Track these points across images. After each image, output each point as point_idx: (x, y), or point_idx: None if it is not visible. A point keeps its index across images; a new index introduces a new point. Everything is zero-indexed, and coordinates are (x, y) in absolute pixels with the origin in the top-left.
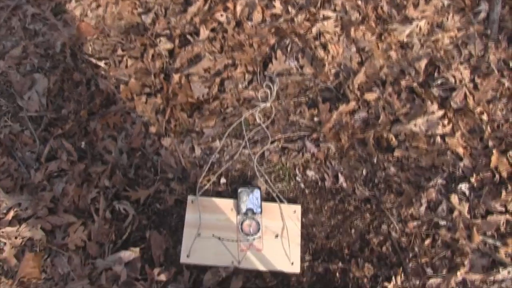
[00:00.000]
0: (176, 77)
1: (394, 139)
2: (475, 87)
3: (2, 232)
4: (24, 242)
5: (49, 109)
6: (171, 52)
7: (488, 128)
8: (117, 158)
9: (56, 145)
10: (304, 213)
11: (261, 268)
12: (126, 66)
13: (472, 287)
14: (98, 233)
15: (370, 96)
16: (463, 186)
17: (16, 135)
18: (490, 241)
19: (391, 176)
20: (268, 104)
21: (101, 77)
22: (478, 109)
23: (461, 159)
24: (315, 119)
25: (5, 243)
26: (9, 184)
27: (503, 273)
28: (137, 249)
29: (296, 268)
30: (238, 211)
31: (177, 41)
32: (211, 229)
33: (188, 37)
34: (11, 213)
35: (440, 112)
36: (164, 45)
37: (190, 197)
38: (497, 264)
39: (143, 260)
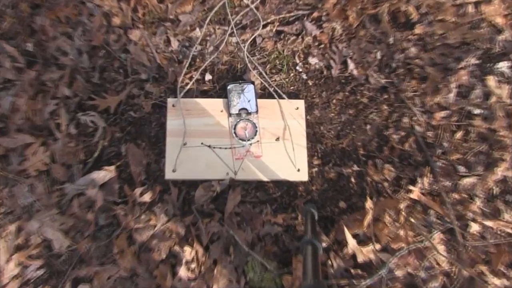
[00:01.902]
0: None
1: (414, 12)
2: None
3: None
4: None
5: None
6: None
7: None
8: (76, 60)
9: None
10: (309, 109)
11: (262, 178)
12: None
13: None
14: (63, 153)
15: None
16: (503, 65)
17: None
18: None
19: (412, 58)
20: None
21: None
22: None
23: (500, 31)
24: None
25: None
26: None
27: None
28: (113, 168)
29: (303, 175)
30: (230, 112)
31: None
32: (198, 137)
33: None
34: None
35: None
36: None
37: (170, 100)
38: None
39: (121, 180)
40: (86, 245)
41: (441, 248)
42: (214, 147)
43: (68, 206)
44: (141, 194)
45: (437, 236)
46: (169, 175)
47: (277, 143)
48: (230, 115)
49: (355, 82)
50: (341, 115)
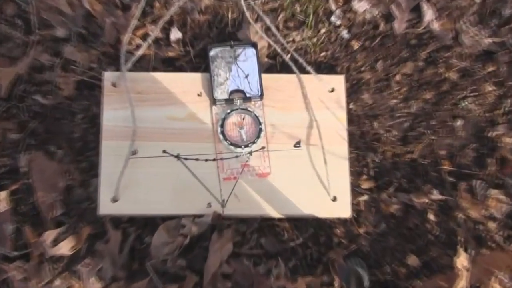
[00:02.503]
0: None
1: None
2: None
3: None
4: None
5: None
6: None
7: None
8: None
9: None
10: (353, 91)
11: (270, 213)
12: None
13: None
14: None
15: None
16: None
17: None
18: None
19: None
20: None
21: None
22: None
23: None
24: None
25: None
26: None
27: None
28: (4, 195)
29: (343, 209)
30: (214, 97)
31: None
32: (158, 140)
33: None
34: None
35: None
36: None
37: (108, 76)
38: None
39: (19, 217)
40: None
41: None
42: (185, 158)
43: None
44: (55, 242)
45: None
46: (105, 207)
47: (297, 152)
48: (214, 101)
49: (435, 44)
50: (410, 102)
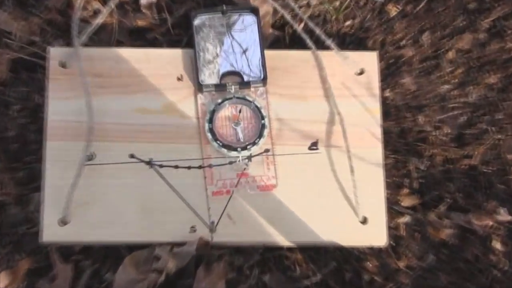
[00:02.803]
0: None
1: None
2: None
3: None
4: None
5: None
6: None
7: None
8: None
9: None
10: (390, 73)
11: (277, 240)
12: None
13: None
14: None
15: None
16: None
17: None
18: None
19: None
20: None
21: None
22: None
23: None
24: None
25: None
26: None
27: None
28: None
29: (376, 235)
30: (199, 81)
31: None
32: (123, 140)
33: None
34: None
35: None
36: None
37: (55, 52)
38: None
39: None
40: None
41: None
42: (160, 165)
43: None
44: None
45: None
46: (51, 233)
47: (314, 156)
48: (200, 88)
49: (502, 9)
50: (467, 88)
